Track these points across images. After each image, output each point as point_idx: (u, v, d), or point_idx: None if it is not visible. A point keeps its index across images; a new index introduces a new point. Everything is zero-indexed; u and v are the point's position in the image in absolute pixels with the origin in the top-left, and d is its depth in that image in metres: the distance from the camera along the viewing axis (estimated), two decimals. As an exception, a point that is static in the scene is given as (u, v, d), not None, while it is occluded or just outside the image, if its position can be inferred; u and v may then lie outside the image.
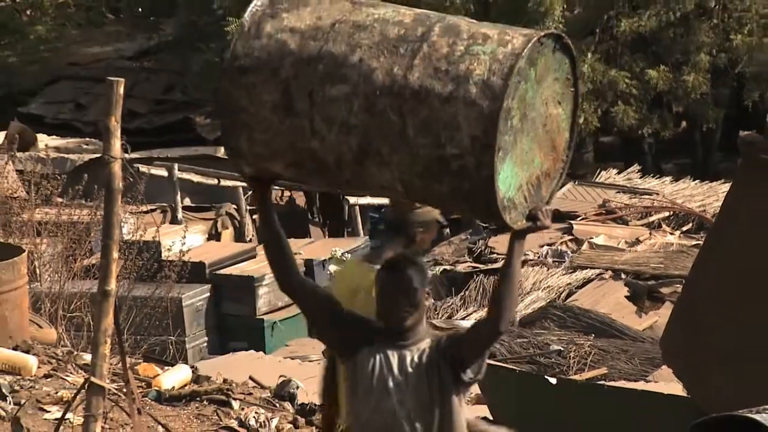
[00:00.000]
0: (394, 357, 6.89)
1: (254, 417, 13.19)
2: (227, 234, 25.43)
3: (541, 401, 13.41)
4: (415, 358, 6.90)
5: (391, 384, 6.91)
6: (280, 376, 14.68)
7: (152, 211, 24.16)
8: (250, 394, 14.09)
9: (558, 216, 25.44)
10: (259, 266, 21.31)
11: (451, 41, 6.52)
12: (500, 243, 22.58)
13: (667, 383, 14.86)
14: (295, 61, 6.47)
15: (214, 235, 25.32)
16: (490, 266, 22.39)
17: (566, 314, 20.52)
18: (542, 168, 6.70)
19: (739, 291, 11.57)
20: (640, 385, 15.93)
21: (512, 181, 6.50)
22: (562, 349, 18.90)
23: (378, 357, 6.90)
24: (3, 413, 11.97)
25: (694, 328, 12.17)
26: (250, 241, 25.52)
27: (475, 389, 14.54)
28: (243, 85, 6.45)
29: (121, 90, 9.02)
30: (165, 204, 25.65)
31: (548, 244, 24.74)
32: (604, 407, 13.45)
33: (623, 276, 22.54)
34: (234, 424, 12.99)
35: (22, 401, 12.23)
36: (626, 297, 22.90)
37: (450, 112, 6.38)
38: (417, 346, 6.89)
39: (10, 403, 12.14)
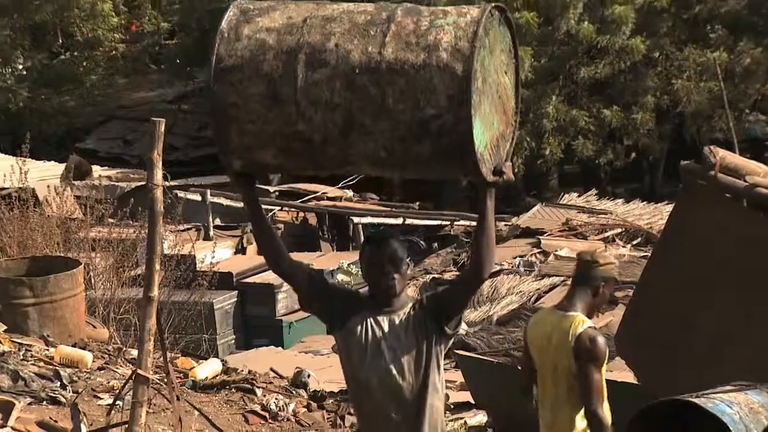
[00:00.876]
0: (384, 322, 6.75)
1: (275, 402, 13.24)
2: (251, 249, 24.72)
3: (515, 388, 13.51)
4: (404, 320, 6.78)
5: (384, 346, 6.77)
6: (296, 368, 14.72)
7: (188, 229, 24.18)
8: (271, 383, 14.09)
9: (528, 232, 25.75)
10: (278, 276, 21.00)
11: (415, 19, 6.45)
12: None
13: (620, 372, 14.60)
14: (276, 54, 6.35)
15: (240, 250, 25.28)
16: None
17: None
18: (499, 130, 6.63)
19: (680, 294, 11.59)
20: (597, 375, 15.37)
21: (481, 138, 6.42)
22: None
23: (368, 323, 6.76)
24: (63, 400, 12.07)
25: (643, 325, 12.17)
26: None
27: (461, 378, 14.88)
28: (230, 82, 6.34)
29: (162, 128, 9.14)
30: (199, 224, 25.69)
31: (520, 256, 24.60)
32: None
33: (583, 282, 22.01)
34: (257, 408, 13.05)
35: (80, 390, 12.30)
36: (586, 300, 22.56)
37: (425, 78, 6.29)
38: (403, 311, 6.78)
39: (69, 392, 12.25)
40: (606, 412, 8.96)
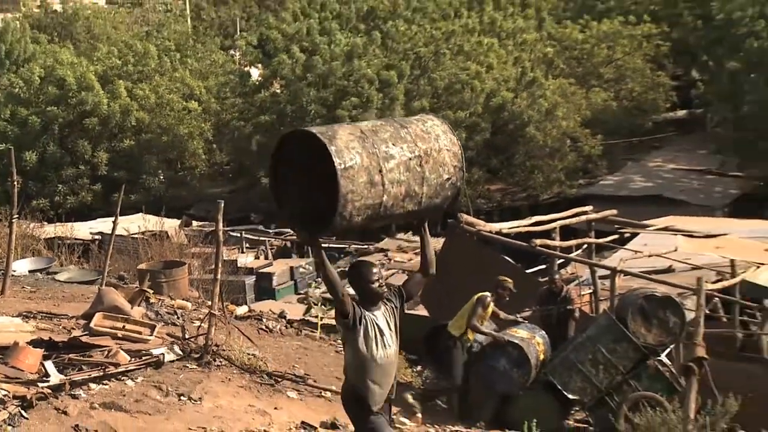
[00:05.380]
0: (380, 317, 6.64)
1: (272, 324, 14.89)
2: (262, 257, 24.49)
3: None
4: (388, 312, 6.73)
5: (387, 334, 6.66)
6: (281, 310, 16.56)
7: (233, 248, 24.16)
8: (271, 315, 15.73)
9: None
10: (274, 268, 22.28)
11: (415, 123, 6.55)
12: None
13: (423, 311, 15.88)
14: (365, 156, 6.09)
15: (257, 257, 24.33)
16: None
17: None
18: None
19: (449, 279, 14.02)
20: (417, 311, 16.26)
21: None
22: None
23: (371, 319, 6.59)
24: (178, 324, 13.19)
25: (431, 294, 14.73)
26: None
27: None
28: (349, 177, 6.00)
29: (221, 208, 11.66)
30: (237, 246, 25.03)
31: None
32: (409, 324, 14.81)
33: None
34: (263, 327, 14.68)
35: (184, 320, 13.77)
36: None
37: (442, 157, 6.40)
38: (384, 306, 6.74)
39: (180, 319, 13.64)
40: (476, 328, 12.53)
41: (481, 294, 12.98)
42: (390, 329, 6.70)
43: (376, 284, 6.65)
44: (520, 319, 13.68)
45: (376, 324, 6.60)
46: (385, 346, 6.63)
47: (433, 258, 6.82)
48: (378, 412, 6.74)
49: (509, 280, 13.28)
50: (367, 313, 6.62)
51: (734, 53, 33.96)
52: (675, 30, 39.34)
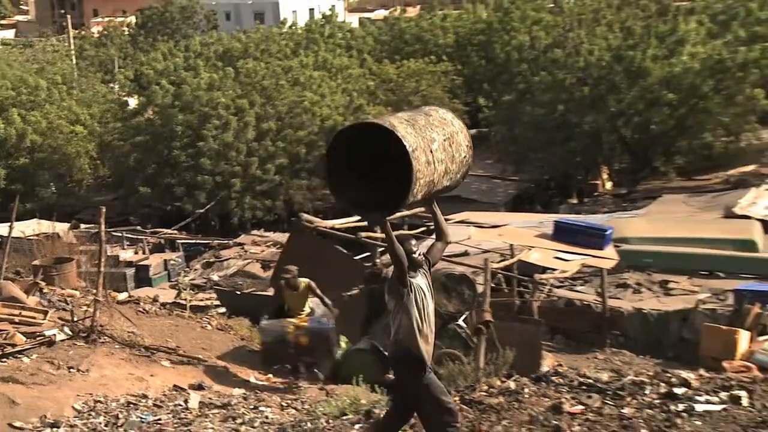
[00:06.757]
0: (421, 281, 6.22)
1: (149, 306, 14.66)
2: (148, 249, 24.20)
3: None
4: (425, 276, 6.28)
5: (428, 295, 6.24)
6: (156, 295, 16.59)
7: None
8: (147, 300, 15.53)
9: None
10: (150, 261, 22.10)
11: (436, 113, 6.22)
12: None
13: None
14: (422, 139, 5.82)
15: (141, 250, 23.88)
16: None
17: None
18: None
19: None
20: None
21: None
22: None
23: (416, 284, 6.18)
24: (66, 309, 12.71)
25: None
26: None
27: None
28: (416, 158, 5.66)
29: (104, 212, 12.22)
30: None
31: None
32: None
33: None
34: (140, 308, 14.42)
35: (73, 305, 13.26)
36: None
37: (459, 139, 6.15)
38: (421, 271, 6.29)
39: (71, 305, 13.03)
40: None
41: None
42: (429, 290, 6.30)
43: (417, 254, 6.24)
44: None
45: (420, 287, 6.20)
46: (427, 305, 6.23)
47: (446, 226, 6.46)
48: (430, 368, 6.25)
49: (292, 269, 12.91)
50: (412, 280, 6.23)
51: (510, 86, 35.10)
52: (466, 67, 40.37)
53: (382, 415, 6.72)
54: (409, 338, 6.12)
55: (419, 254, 6.23)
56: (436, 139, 5.91)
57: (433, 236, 6.65)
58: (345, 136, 5.98)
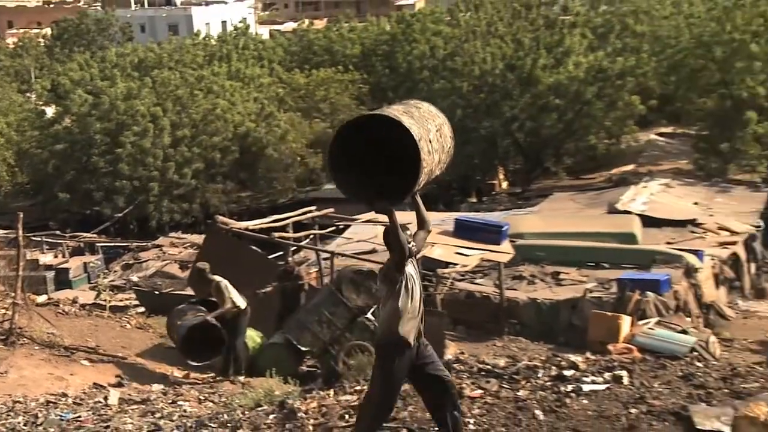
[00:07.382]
0: (411, 268, 6.11)
1: (68, 308, 14.32)
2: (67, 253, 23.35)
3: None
4: (413, 264, 6.18)
5: (416, 281, 6.13)
6: (75, 296, 16.06)
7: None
8: (67, 302, 15.22)
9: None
10: (70, 264, 21.28)
11: (423, 106, 6.15)
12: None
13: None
14: (423, 130, 5.71)
15: (63, 253, 23.24)
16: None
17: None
18: None
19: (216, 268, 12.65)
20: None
21: None
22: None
23: (408, 270, 6.07)
24: None
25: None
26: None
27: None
28: (421, 148, 5.55)
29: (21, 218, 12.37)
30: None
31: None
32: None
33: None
34: (60, 310, 14.20)
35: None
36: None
37: (444, 130, 6.09)
38: (410, 258, 6.16)
39: None
40: None
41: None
42: (418, 276, 6.21)
43: (411, 244, 6.13)
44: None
45: (411, 275, 6.10)
46: (416, 290, 6.12)
47: (427, 215, 6.37)
48: (411, 347, 6.10)
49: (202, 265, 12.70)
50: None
51: (412, 93, 35.03)
52: (371, 76, 40.52)
53: (363, 401, 6.45)
54: (395, 320, 6.04)
55: (411, 244, 6.19)
56: (431, 130, 5.87)
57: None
58: (346, 133, 5.83)
